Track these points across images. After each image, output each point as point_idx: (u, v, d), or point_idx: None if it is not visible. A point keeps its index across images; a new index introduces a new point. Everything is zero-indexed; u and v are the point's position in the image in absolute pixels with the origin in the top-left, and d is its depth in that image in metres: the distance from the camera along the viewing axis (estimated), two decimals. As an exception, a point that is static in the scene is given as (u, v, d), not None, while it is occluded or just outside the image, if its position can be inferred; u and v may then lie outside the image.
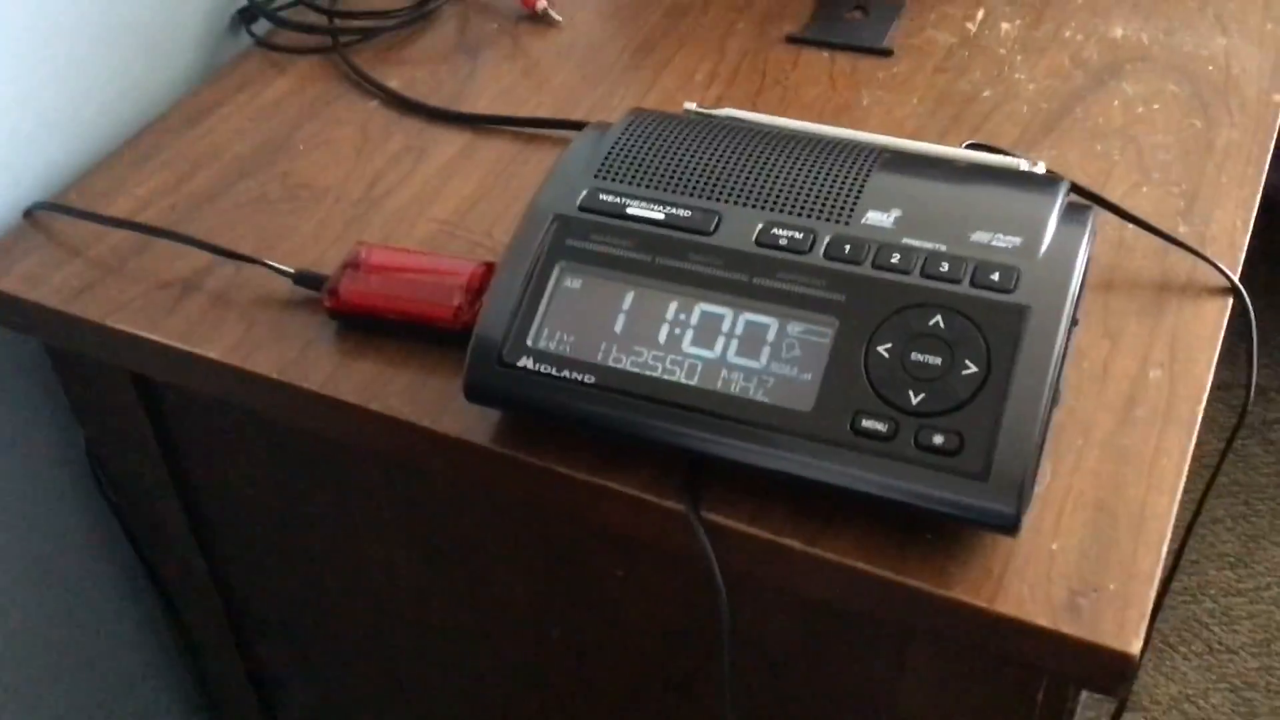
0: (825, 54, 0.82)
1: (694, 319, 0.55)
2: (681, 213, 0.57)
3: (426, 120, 0.78)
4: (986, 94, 0.77)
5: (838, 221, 0.56)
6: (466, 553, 0.70)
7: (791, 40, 0.84)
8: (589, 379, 0.55)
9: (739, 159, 0.59)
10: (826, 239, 0.55)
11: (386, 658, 0.82)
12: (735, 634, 0.61)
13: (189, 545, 0.81)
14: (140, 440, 0.75)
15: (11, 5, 0.71)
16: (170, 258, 0.69)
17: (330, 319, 0.64)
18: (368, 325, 0.64)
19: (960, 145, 0.69)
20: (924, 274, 0.54)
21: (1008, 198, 0.56)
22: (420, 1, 0.87)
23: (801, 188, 0.58)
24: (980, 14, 0.85)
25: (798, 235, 0.56)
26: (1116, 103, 0.76)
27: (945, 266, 0.53)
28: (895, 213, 0.56)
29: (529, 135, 0.77)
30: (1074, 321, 0.53)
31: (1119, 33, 0.82)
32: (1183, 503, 0.54)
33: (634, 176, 0.59)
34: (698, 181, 0.59)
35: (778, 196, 0.57)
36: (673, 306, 0.55)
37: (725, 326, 0.55)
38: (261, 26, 0.87)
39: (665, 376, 0.54)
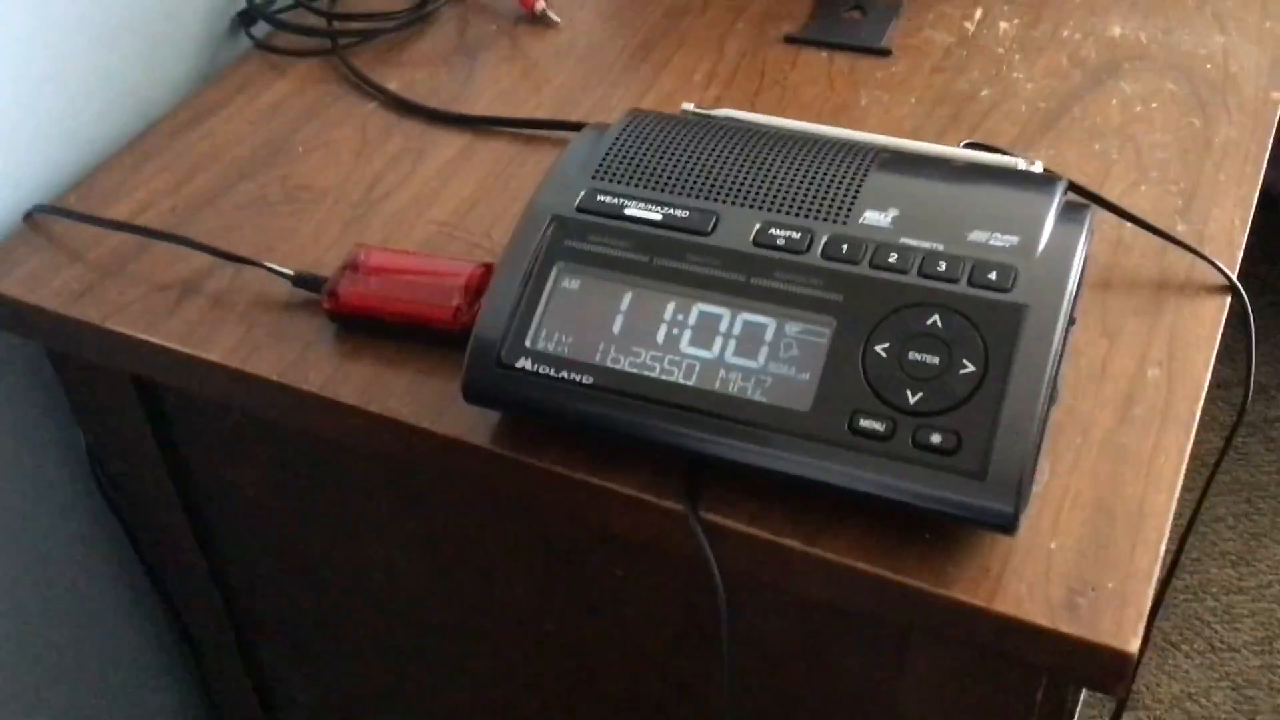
0: (823, 54, 0.82)
1: (692, 319, 0.55)
2: (679, 213, 0.58)
3: (425, 122, 0.78)
4: (985, 93, 0.78)
5: (835, 221, 0.56)
6: (467, 553, 0.70)
7: (790, 40, 0.84)
8: (587, 380, 0.55)
9: (736, 159, 0.59)
10: (824, 239, 0.55)
11: (387, 658, 0.83)
12: (735, 634, 0.61)
13: (190, 546, 0.82)
14: (141, 442, 0.75)
15: (11, 9, 0.72)
16: (170, 260, 0.69)
17: (330, 321, 0.64)
18: (367, 327, 0.64)
19: (958, 144, 0.69)
20: (921, 273, 0.54)
21: (1005, 197, 0.56)
22: (419, 3, 0.87)
23: (799, 188, 0.58)
24: (978, 13, 0.85)
25: (795, 235, 0.56)
26: (1114, 101, 0.76)
27: (943, 266, 0.54)
28: (893, 212, 0.56)
29: (528, 136, 0.77)
30: (1071, 320, 0.53)
31: (1117, 31, 0.82)
32: (1184, 500, 0.54)
33: (632, 177, 0.59)
34: (695, 182, 0.59)
35: (775, 197, 0.58)
36: (670, 307, 0.55)
37: (723, 327, 0.55)
38: (261, 29, 0.87)
39: (663, 377, 0.54)
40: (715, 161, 0.59)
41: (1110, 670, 0.49)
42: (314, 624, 0.84)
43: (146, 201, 0.73)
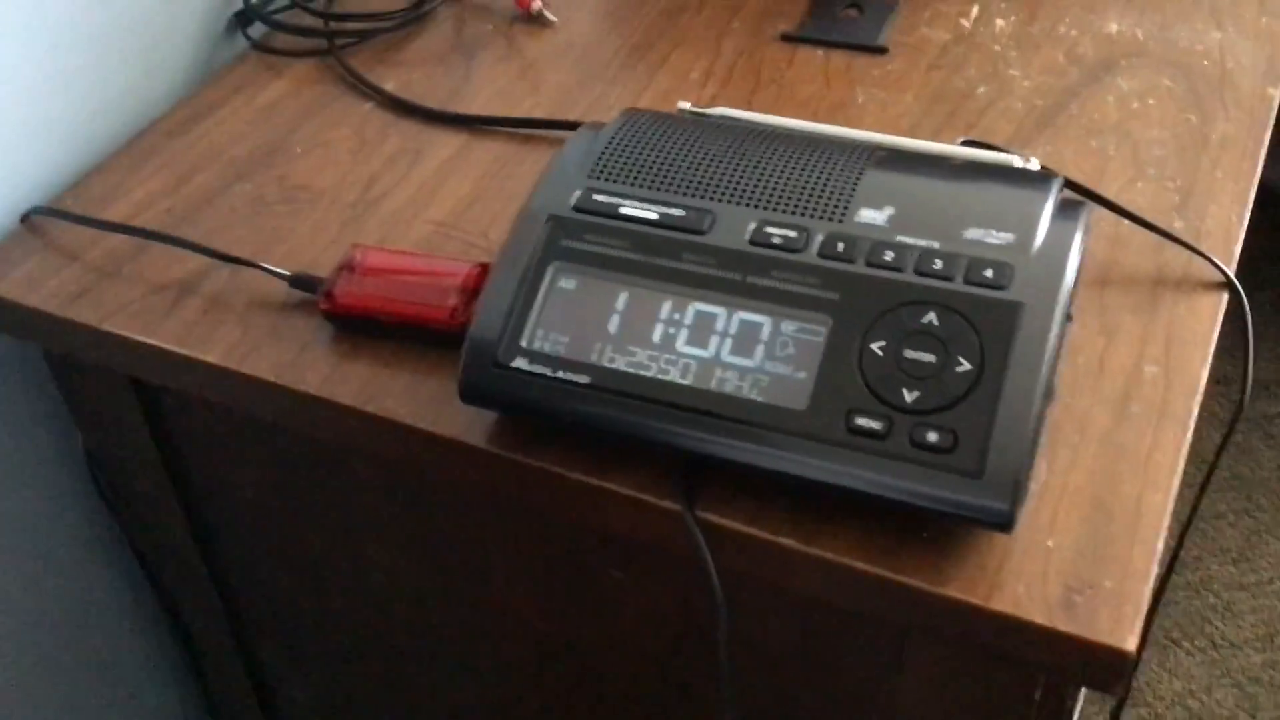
0: (820, 52, 0.82)
1: (688, 318, 0.55)
2: (675, 212, 0.57)
3: (422, 122, 0.78)
4: (981, 91, 0.77)
5: (831, 220, 0.56)
6: (465, 553, 0.70)
7: (787, 39, 0.84)
8: (583, 379, 0.55)
9: (733, 158, 0.59)
10: (820, 237, 0.55)
11: (387, 658, 0.82)
12: (734, 634, 0.61)
13: (188, 547, 0.82)
14: (139, 443, 0.75)
15: (8, 10, 0.72)
16: (167, 261, 0.69)
17: (326, 321, 0.64)
18: (364, 327, 0.64)
19: (955, 142, 0.69)
20: (917, 271, 0.54)
21: (1001, 194, 0.56)
22: (416, 3, 0.87)
23: (795, 186, 0.58)
24: (975, 10, 0.85)
25: (791, 234, 0.56)
26: (1111, 98, 0.76)
27: (939, 264, 0.53)
28: (889, 210, 0.56)
29: (525, 136, 0.77)
30: (1068, 317, 0.53)
31: (1114, 28, 0.82)
32: (1184, 497, 0.54)
33: (628, 176, 0.59)
34: (691, 181, 0.59)
35: (771, 195, 0.57)
36: (667, 306, 0.55)
37: (719, 326, 0.55)
38: (257, 30, 0.87)
39: (660, 376, 0.54)
40: (711, 160, 0.59)
41: (1108, 669, 0.49)
42: (313, 624, 0.84)
43: (143, 203, 0.73)
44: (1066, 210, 0.56)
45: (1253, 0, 0.83)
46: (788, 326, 0.54)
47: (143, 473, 0.78)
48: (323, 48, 0.84)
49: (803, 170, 0.58)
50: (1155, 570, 0.52)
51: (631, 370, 0.54)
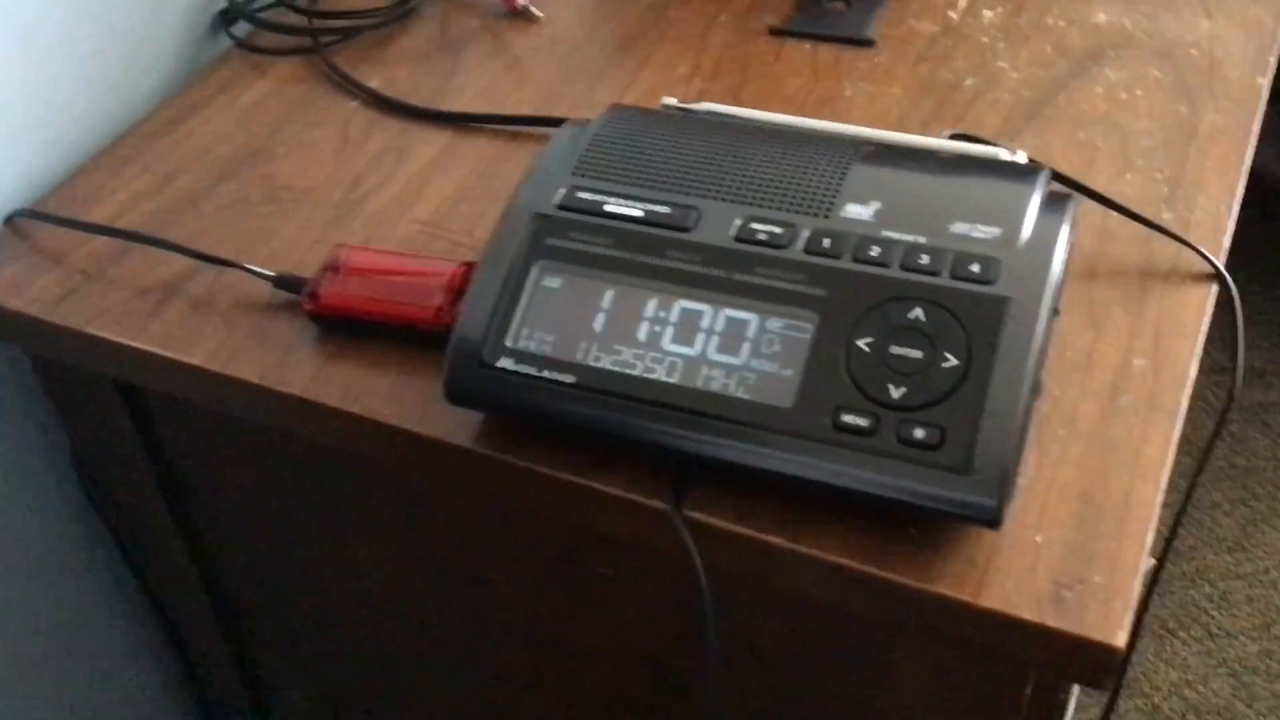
0: (808, 45, 0.82)
1: (674, 316, 0.55)
2: (660, 209, 0.57)
3: (408, 120, 0.78)
4: (969, 83, 0.77)
5: (817, 215, 0.56)
6: (455, 554, 0.70)
7: (774, 32, 0.83)
8: (569, 379, 0.54)
9: (718, 154, 0.59)
10: (806, 233, 0.55)
11: (380, 659, 0.82)
12: (725, 632, 0.61)
13: (178, 549, 0.81)
14: (126, 446, 0.75)
15: (-13, 12, 0.71)
16: (151, 263, 0.69)
17: (311, 322, 0.64)
18: (349, 328, 0.63)
19: (942, 135, 0.69)
20: (904, 267, 0.53)
21: (988, 188, 0.56)
22: (400, 0, 0.86)
23: (781, 182, 0.57)
24: (962, 2, 0.85)
25: (777, 230, 0.55)
26: (1100, 89, 0.76)
27: (925, 259, 0.53)
28: (875, 205, 0.56)
29: (511, 133, 0.77)
30: (1055, 311, 0.53)
31: (1102, 18, 0.82)
32: (1179, 488, 0.54)
33: (613, 173, 0.59)
34: (677, 177, 0.58)
35: (757, 191, 0.57)
36: (652, 304, 0.55)
37: (705, 323, 0.54)
38: (242, 28, 0.87)
39: (645, 375, 0.54)
40: (696, 157, 0.59)
41: (1097, 664, 0.49)
42: (306, 625, 0.83)
43: (127, 204, 0.73)
44: (1054, 203, 0.55)
45: (1241, -11, 0.83)
46: (774, 323, 0.53)
47: (131, 476, 0.77)
48: (307, 46, 0.84)
49: (788, 166, 0.58)
50: (1145, 564, 0.51)
51: (617, 369, 0.54)
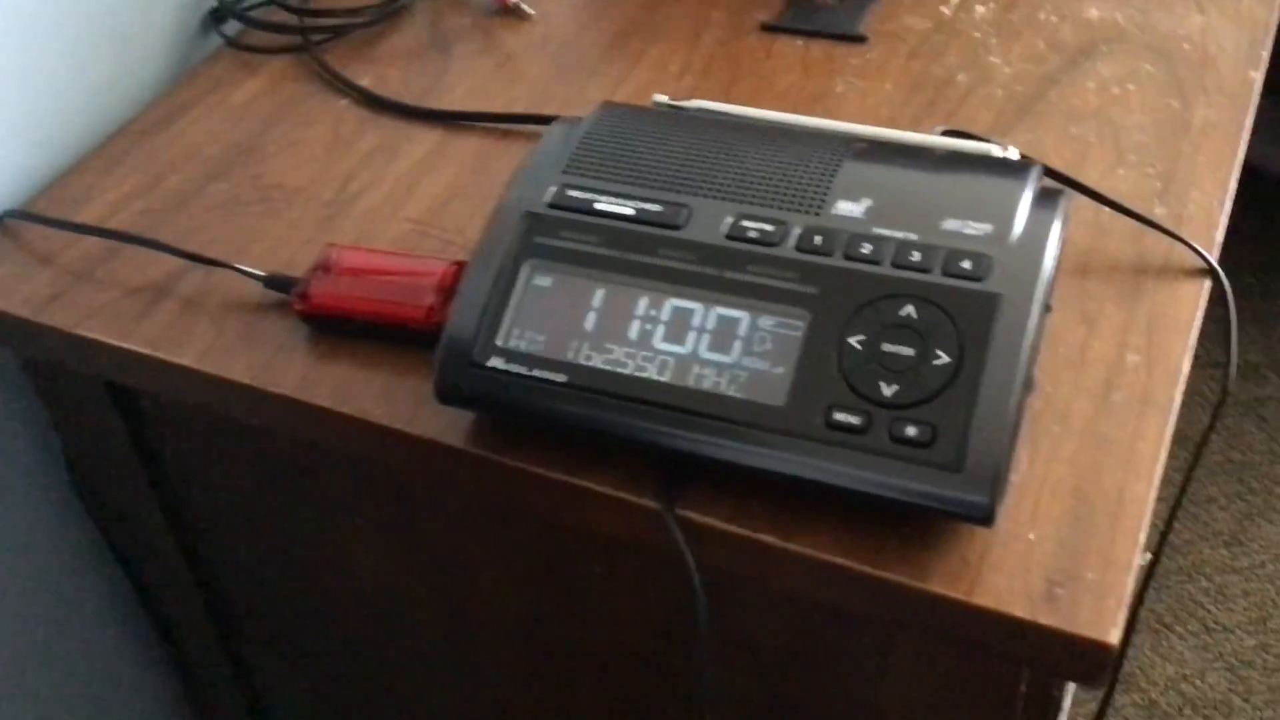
0: (800, 42, 0.82)
1: (665, 314, 0.54)
2: (651, 207, 0.57)
3: (399, 118, 0.78)
4: (961, 79, 0.77)
5: (809, 213, 0.56)
6: (448, 554, 0.69)
7: (766, 29, 0.83)
8: (560, 378, 0.54)
9: (709, 151, 0.59)
10: (797, 231, 0.55)
11: (375, 659, 0.82)
12: (720, 631, 0.61)
13: (172, 550, 0.81)
14: (118, 448, 0.75)
15: (-25, 12, 0.71)
16: (141, 263, 0.68)
17: (302, 322, 0.64)
18: (340, 328, 0.63)
19: (934, 131, 0.68)
20: (895, 264, 0.53)
21: (979, 184, 0.56)
22: (391, -2, 0.86)
23: (772, 179, 0.57)
24: (955, -2, 0.84)
25: (768, 228, 0.55)
26: (1092, 84, 0.75)
27: (916, 256, 0.53)
28: (866, 202, 0.56)
29: (502, 131, 0.76)
30: (1047, 308, 0.52)
31: (1094, 14, 0.81)
32: (1174, 482, 0.54)
33: (604, 171, 0.59)
34: (667, 175, 0.58)
35: (748, 189, 0.57)
36: (643, 302, 0.55)
37: (696, 321, 0.54)
38: (232, 27, 0.86)
39: (637, 374, 0.54)
40: (687, 154, 0.59)
41: (1090, 662, 0.49)
42: (301, 626, 0.83)
43: (118, 204, 0.73)
44: (1045, 199, 0.55)
45: (1234, -17, 0.83)
46: (765, 321, 0.53)
47: (123, 477, 0.77)
48: (298, 44, 0.84)
49: (779, 163, 0.58)
50: (1138, 561, 0.51)
51: (609, 368, 0.54)
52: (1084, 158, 0.70)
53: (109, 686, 0.93)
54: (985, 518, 0.49)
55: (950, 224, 0.54)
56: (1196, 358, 0.60)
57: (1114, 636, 0.48)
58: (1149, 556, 0.65)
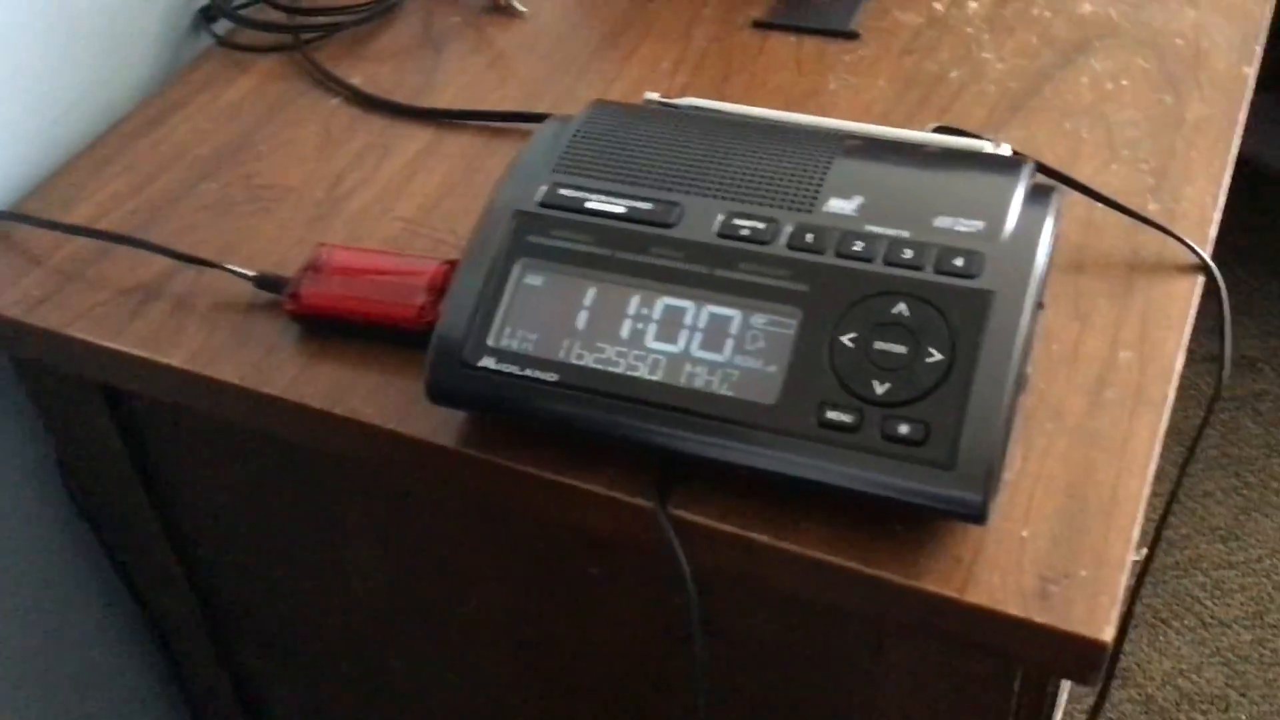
0: (792, 38, 0.81)
1: (657, 313, 0.54)
2: (642, 205, 0.57)
3: (390, 116, 0.77)
4: (954, 75, 0.77)
5: (800, 210, 0.55)
6: (441, 554, 0.69)
7: (758, 25, 0.83)
8: (552, 377, 0.54)
9: (700, 149, 0.59)
10: (789, 229, 0.55)
11: (369, 660, 0.82)
12: (714, 630, 0.61)
13: (164, 551, 0.81)
14: (110, 449, 0.75)
15: (-37, 12, 0.71)
16: (131, 264, 0.68)
17: (293, 322, 0.63)
18: (331, 328, 0.63)
19: (927, 128, 0.68)
20: (887, 261, 0.53)
21: (971, 181, 0.56)
22: (382, -4, 0.86)
23: (763, 177, 0.57)
24: (948, -7, 0.84)
25: (760, 225, 0.55)
26: (1085, 80, 0.75)
27: (908, 253, 0.53)
28: (858, 200, 0.55)
29: (494, 129, 0.76)
30: (1040, 305, 0.52)
31: (1087, 9, 0.81)
32: (1171, 476, 0.54)
33: (594, 170, 0.59)
34: (659, 173, 0.58)
35: (740, 186, 0.57)
36: (635, 301, 0.55)
37: (688, 320, 0.54)
38: (223, 26, 0.86)
39: (629, 373, 0.53)
40: (678, 152, 0.59)
41: (1084, 659, 0.49)
42: (294, 627, 0.83)
43: (107, 204, 0.72)
44: (1037, 196, 0.55)
45: (1227, -22, 0.83)
46: (757, 319, 0.53)
47: (115, 479, 0.77)
48: (288, 43, 0.83)
49: (771, 160, 0.57)
50: (1131, 558, 0.51)
51: (600, 367, 0.54)
52: (1077, 153, 0.70)
53: (103, 689, 0.93)
54: (978, 515, 0.49)
55: (942, 221, 0.54)
56: (1192, 352, 0.60)
57: (1107, 634, 0.48)
58: (1144, 552, 0.65)
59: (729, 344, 0.53)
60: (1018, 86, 0.75)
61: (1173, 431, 0.57)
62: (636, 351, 0.54)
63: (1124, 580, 0.50)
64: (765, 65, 0.79)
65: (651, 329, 0.54)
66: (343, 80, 0.80)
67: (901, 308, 0.52)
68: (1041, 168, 0.62)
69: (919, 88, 0.76)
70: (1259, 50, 0.77)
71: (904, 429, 0.50)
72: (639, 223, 0.56)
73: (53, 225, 0.70)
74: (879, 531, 0.52)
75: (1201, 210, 0.66)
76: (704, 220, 0.56)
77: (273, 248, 0.69)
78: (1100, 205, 0.65)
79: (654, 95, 0.65)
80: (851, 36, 0.81)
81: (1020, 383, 0.50)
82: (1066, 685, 0.79)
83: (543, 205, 0.57)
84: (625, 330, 0.54)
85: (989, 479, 0.48)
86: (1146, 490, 0.53)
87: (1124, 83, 0.75)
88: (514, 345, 0.55)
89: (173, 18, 0.85)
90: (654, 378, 0.53)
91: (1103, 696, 0.72)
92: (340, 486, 0.69)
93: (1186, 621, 1.41)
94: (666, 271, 0.55)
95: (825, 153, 0.57)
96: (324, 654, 0.84)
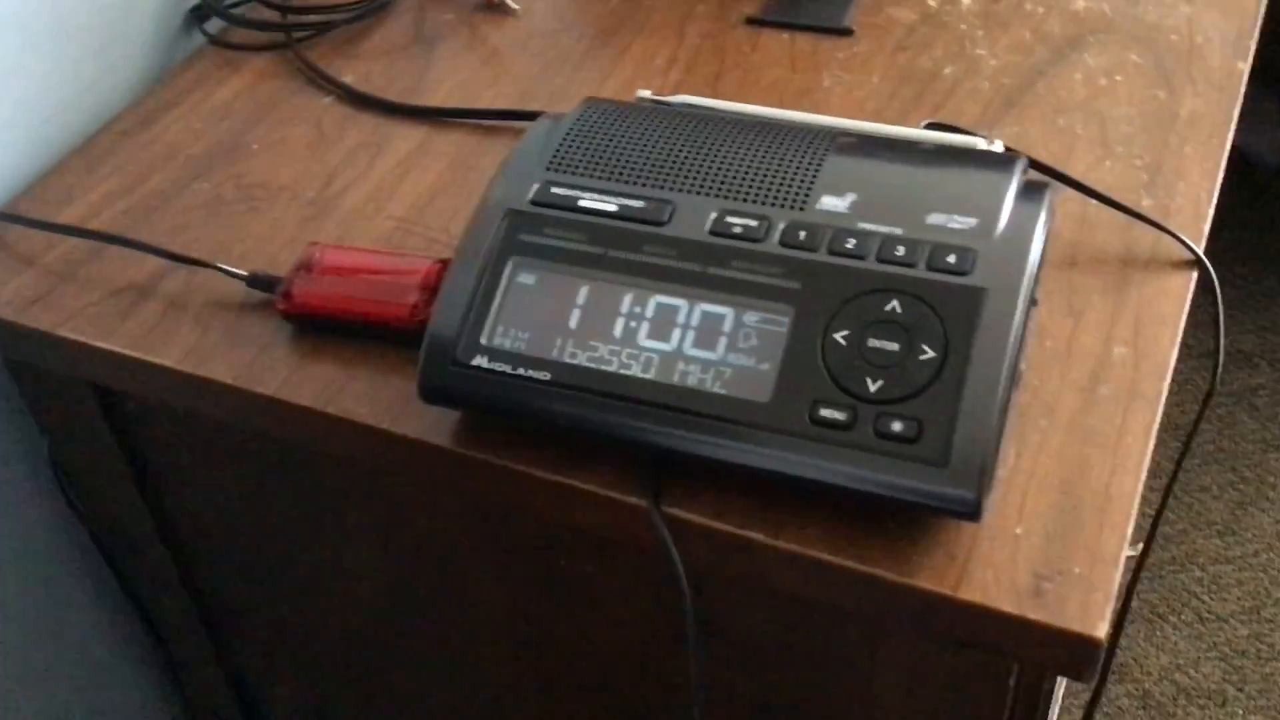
0: (786, 35, 0.81)
1: (649, 311, 0.54)
2: (635, 203, 0.57)
3: (383, 115, 0.77)
4: (948, 71, 0.77)
5: (793, 208, 0.55)
6: (435, 553, 0.69)
7: (751, 22, 0.83)
8: (545, 376, 0.54)
9: (693, 147, 0.58)
10: (781, 226, 0.55)
11: (366, 659, 0.82)
12: (709, 627, 0.61)
13: (159, 551, 0.81)
14: (104, 449, 0.74)
15: (-46, 12, 0.70)
16: (123, 264, 0.68)
17: (286, 322, 0.63)
18: (324, 327, 0.63)
19: (920, 125, 0.68)
20: (880, 259, 0.53)
21: (964, 178, 0.56)
22: (375, -6, 0.86)
23: (756, 174, 0.57)
24: (941, -11, 0.84)
25: (752, 223, 0.55)
26: (1079, 76, 0.75)
27: (901, 250, 0.53)
28: (850, 197, 0.55)
29: (488, 127, 0.76)
30: (1033, 301, 0.52)
31: (1081, 4, 0.81)
32: (1165, 472, 0.54)
33: (587, 168, 0.58)
34: (651, 171, 0.58)
35: (732, 184, 0.57)
36: (627, 299, 0.54)
37: (681, 318, 0.54)
38: (214, 25, 0.86)
39: (621, 371, 0.53)
40: (671, 150, 0.58)
41: (1079, 656, 0.49)
42: (289, 625, 0.83)
43: (100, 204, 0.72)
44: (1031, 192, 0.55)
45: (1221, -27, 0.83)
46: (750, 317, 0.53)
47: (110, 479, 0.77)
48: (280, 41, 0.83)
49: (764, 158, 0.57)
50: (1125, 555, 0.51)
51: (593, 365, 0.54)
52: (1071, 150, 0.70)
53: (100, 689, 0.92)
54: (972, 513, 0.49)
55: (935, 218, 0.54)
56: (1188, 347, 0.60)
57: (1101, 631, 0.48)
58: (1139, 548, 0.65)
59: (722, 342, 0.53)
60: (1011, 83, 0.75)
61: (1169, 426, 0.57)
62: (629, 350, 0.54)
63: (1118, 576, 0.50)
64: (758, 62, 0.79)
65: (644, 327, 0.54)
66: (335, 79, 0.80)
67: (894, 305, 0.52)
68: (1035, 164, 0.62)
69: (913, 84, 0.76)
70: (1252, 46, 0.77)
71: (897, 426, 0.50)
72: (631, 221, 0.56)
73: (45, 225, 0.70)
74: (873, 529, 0.52)
75: (1196, 206, 0.66)
76: (696, 218, 0.56)
77: (265, 247, 0.68)
78: (1094, 201, 0.65)
79: (647, 93, 0.65)
80: (845, 33, 0.81)
81: (1014, 379, 0.50)
82: (1063, 681, 0.79)
83: (535, 203, 0.57)
84: (618, 328, 0.54)
85: (983, 476, 0.48)
86: (1140, 487, 0.53)
87: (1118, 78, 0.75)
88: (507, 344, 0.55)
89: (164, 17, 0.85)
90: (647, 376, 0.53)
91: (1099, 692, 0.72)
92: (336, 486, 0.69)
93: (1183, 616, 1.41)
94: (659, 270, 0.55)
95: (818, 150, 0.57)
96: (320, 652, 0.83)
